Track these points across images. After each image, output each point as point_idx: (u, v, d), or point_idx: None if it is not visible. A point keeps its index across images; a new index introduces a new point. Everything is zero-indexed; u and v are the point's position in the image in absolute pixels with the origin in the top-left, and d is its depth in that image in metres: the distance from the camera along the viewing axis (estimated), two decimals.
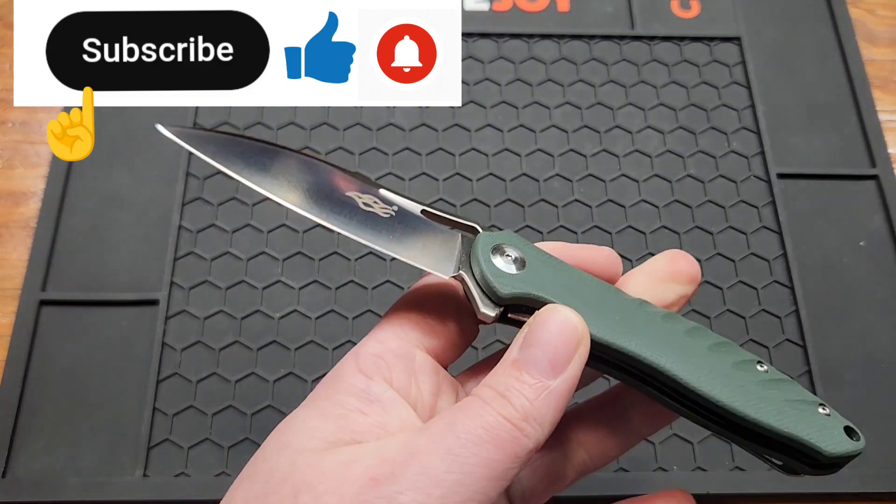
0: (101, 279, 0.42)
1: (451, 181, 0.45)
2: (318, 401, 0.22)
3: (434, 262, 0.23)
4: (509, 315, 0.23)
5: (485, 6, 0.51)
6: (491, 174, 0.46)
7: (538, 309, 0.22)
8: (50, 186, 0.44)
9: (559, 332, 0.21)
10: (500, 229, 0.24)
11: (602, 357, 0.23)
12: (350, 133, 0.46)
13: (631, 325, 0.22)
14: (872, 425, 0.39)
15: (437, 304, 0.24)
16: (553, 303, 0.22)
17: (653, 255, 0.43)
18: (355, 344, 0.41)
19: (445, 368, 0.25)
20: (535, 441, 0.20)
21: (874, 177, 0.46)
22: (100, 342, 0.40)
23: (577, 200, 0.45)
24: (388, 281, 0.42)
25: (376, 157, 0.46)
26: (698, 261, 0.43)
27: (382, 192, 0.24)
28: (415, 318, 0.24)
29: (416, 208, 0.24)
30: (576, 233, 0.44)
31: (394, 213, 0.24)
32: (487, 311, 0.22)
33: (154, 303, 0.41)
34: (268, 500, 0.20)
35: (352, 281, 0.42)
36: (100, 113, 0.46)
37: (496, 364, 0.22)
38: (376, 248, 0.23)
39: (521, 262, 0.23)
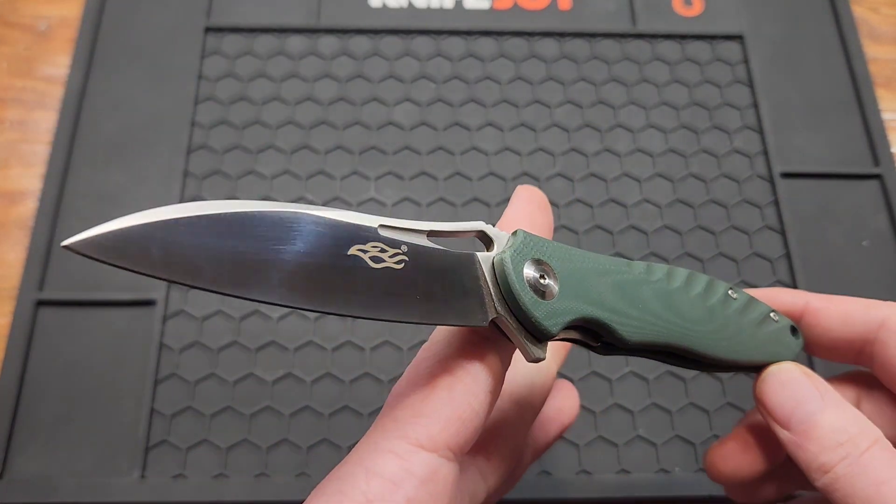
0: (98, 279, 0.41)
1: (451, 181, 0.45)
2: None
3: (465, 311, 0.19)
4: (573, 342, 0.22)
5: (485, 4, 0.51)
6: (491, 173, 0.45)
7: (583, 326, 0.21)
8: (47, 186, 0.44)
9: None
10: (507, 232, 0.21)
11: (646, 350, 0.23)
12: (349, 132, 0.46)
13: (676, 314, 0.23)
14: None
15: (473, 381, 0.19)
16: (602, 319, 0.20)
17: (655, 255, 0.43)
18: (354, 345, 0.41)
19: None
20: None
21: (878, 176, 0.46)
22: (97, 343, 0.40)
23: (578, 200, 0.45)
24: None
25: (376, 156, 0.45)
26: (700, 261, 0.43)
27: (381, 229, 0.19)
28: (445, 411, 0.18)
29: (421, 235, 0.19)
30: (577, 232, 0.43)
31: (407, 259, 0.18)
32: (539, 353, 0.19)
33: (152, 303, 0.41)
34: None
35: None
36: (96, 111, 0.46)
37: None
38: (409, 321, 0.18)
39: (550, 276, 0.20)
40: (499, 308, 0.19)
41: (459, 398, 0.19)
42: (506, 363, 0.20)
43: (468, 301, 0.19)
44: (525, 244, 0.20)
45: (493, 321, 0.19)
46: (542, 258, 0.20)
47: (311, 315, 0.41)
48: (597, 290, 0.21)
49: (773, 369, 0.24)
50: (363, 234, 0.18)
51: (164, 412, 0.38)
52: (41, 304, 0.41)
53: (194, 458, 0.37)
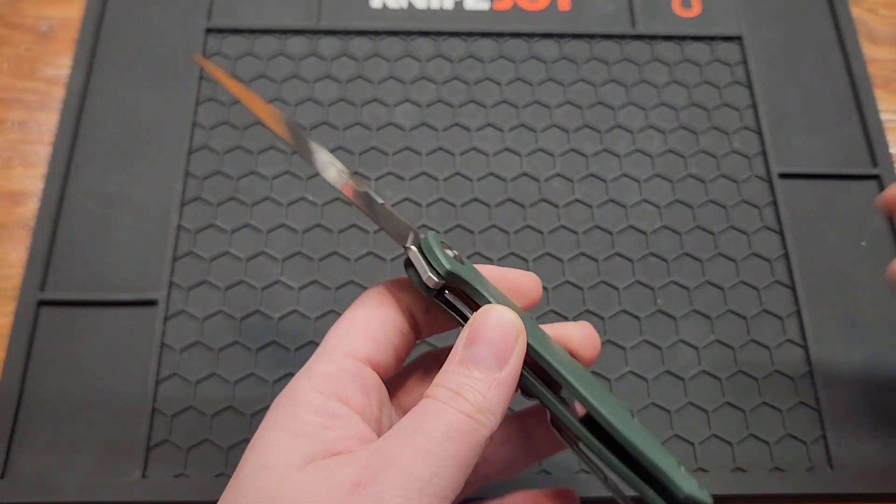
0: (99, 279, 0.42)
1: (451, 181, 0.45)
2: (282, 420, 0.24)
3: (394, 233, 0.26)
4: (444, 293, 0.25)
5: (485, 5, 0.51)
6: (491, 174, 0.45)
7: (469, 297, 0.25)
8: (48, 186, 0.44)
9: (500, 327, 0.24)
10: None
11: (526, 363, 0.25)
12: (350, 132, 0.46)
13: (547, 343, 0.25)
14: (872, 425, 0.39)
15: (385, 321, 0.26)
16: (483, 295, 0.25)
17: (654, 255, 0.43)
18: None
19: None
20: (489, 429, 0.23)
21: (876, 176, 0.46)
22: (99, 343, 0.40)
23: (577, 200, 0.45)
24: None
25: (376, 156, 0.46)
26: (699, 261, 0.43)
27: (351, 175, 0.27)
28: (364, 335, 0.25)
29: (378, 199, 0.27)
30: (576, 233, 0.44)
31: (363, 193, 0.26)
32: (433, 276, 0.25)
33: (153, 303, 0.41)
34: None
35: (352, 281, 0.42)
36: (97, 112, 0.46)
37: (417, 373, 0.28)
38: (369, 213, 0.26)
39: (459, 261, 0.25)
40: (413, 245, 0.25)
41: (376, 326, 0.25)
42: (417, 317, 0.27)
43: (397, 233, 0.26)
44: (449, 243, 0.26)
45: (407, 249, 0.25)
46: (457, 254, 0.26)
47: (312, 315, 0.41)
48: (486, 286, 0.25)
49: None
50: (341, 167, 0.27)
51: (166, 412, 0.38)
52: (43, 304, 0.41)
53: (195, 458, 0.38)
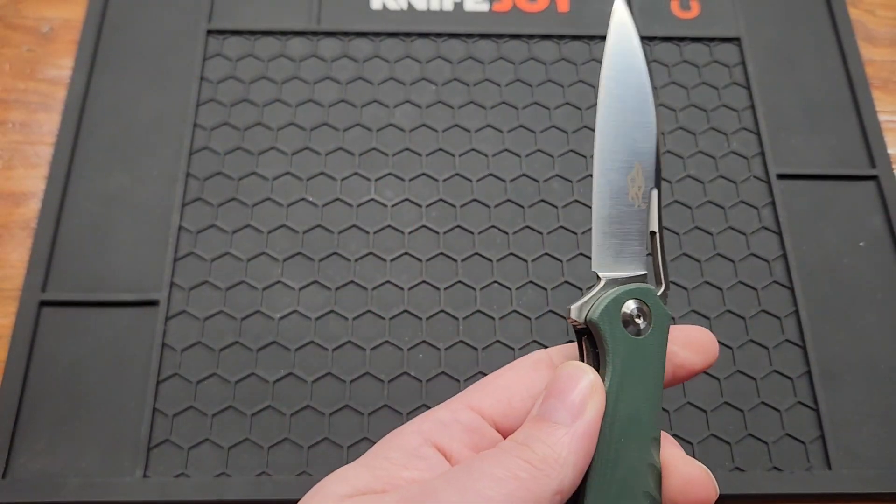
0: (101, 280, 0.42)
1: (451, 181, 0.45)
2: (370, 455, 0.23)
3: (606, 255, 0.25)
4: (583, 338, 0.24)
5: (484, 7, 0.51)
6: (491, 175, 0.46)
7: (591, 357, 0.24)
8: (50, 187, 0.44)
9: (574, 381, 0.23)
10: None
11: None
12: (350, 133, 0.46)
13: (621, 456, 0.23)
14: (872, 425, 0.39)
15: (529, 388, 0.24)
16: (607, 360, 0.23)
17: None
18: (355, 345, 0.41)
19: None
20: (557, 482, 0.21)
21: (874, 177, 0.46)
22: (100, 343, 0.40)
23: (577, 201, 0.45)
24: (388, 281, 0.42)
25: (376, 157, 0.46)
26: (698, 262, 0.44)
27: (654, 192, 0.26)
28: (500, 396, 0.24)
29: (654, 225, 0.26)
30: (575, 233, 0.44)
31: (637, 209, 0.26)
32: (575, 313, 0.24)
33: (154, 303, 0.41)
34: None
35: (352, 281, 0.42)
36: (99, 113, 0.47)
37: None
38: (595, 213, 0.25)
39: (637, 330, 0.24)
40: (606, 279, 0.25)
41: (517, 390, 0.24)
42: None
43: (612, 259, 0.25)
44: (661, 311, 0.25)
45: (598, 276, 0.25)
46: (644, 325, 0.24)
47: (312, 315, 0.41)
48: (623, 366, 0.24)
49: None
50: (646, 173, 0.26)
51: (167, 411, 0.39)
52: (44, 304, 0.41)
53: (196, 457, 0.38)
